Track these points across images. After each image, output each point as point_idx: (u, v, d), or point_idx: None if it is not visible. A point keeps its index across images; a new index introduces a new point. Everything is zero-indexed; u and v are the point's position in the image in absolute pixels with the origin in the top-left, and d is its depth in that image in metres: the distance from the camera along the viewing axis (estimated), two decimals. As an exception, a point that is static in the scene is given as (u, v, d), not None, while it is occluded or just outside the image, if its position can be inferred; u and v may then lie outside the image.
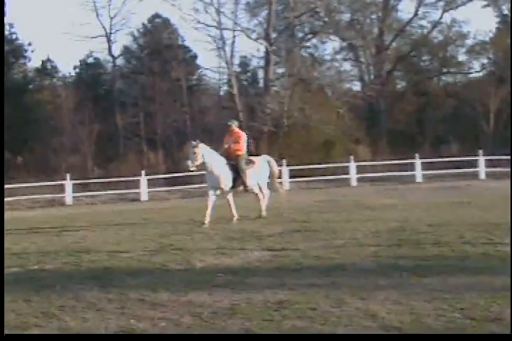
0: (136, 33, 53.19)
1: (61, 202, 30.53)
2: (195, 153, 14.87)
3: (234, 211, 15.45)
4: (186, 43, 54.16)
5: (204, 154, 14.96)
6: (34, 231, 15.55)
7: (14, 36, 50.87)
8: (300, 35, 49.90)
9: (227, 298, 7.08)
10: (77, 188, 31.85)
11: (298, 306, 6.60)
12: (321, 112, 42.96)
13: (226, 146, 15.59)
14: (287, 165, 31.83)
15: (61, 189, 30.89)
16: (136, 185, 31.19)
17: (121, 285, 8.00)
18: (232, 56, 48.71)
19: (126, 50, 53.53)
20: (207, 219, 14.75)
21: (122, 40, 64.08)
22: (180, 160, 42.83)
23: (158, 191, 32.06)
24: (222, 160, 15.25)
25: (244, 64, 54.60)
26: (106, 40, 51.61)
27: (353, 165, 32.23)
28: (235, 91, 47.13)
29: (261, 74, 51.68)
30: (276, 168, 16.79)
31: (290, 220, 14.86)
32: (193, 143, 15.21)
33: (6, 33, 50.26)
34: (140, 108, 48.42)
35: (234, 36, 48.26)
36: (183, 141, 45.52)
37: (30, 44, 51.32)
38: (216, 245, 11.29)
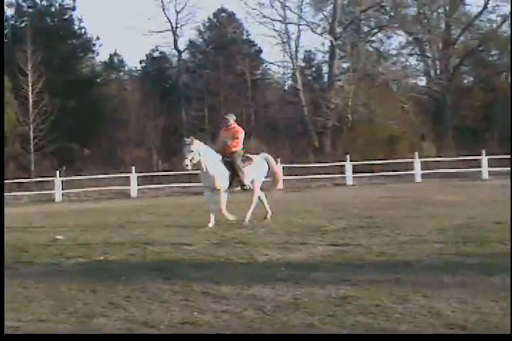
0: (201, 28, 53.56)
1: (126, 194, 30.97)
2: (191, 150, 13.63)
3: (226, 213, 14.04)
4: (251, 38, 54.35)
5: (200, 151, 13.76)
6: (100, 223, 15.80)
7: (83, 31, 51.69)
8: (365, 29, 49.57)
9: (290, 292, 7.09)
10: (141, 181, 32.26)
11: (361, 302, 6.57)
12: (386, 107, 42.60)
13: (223, 142, 14.38)
14: (351, 161, 31.65)
15: (127, 181, 31.32)
16: (199, 178, 31.33)
17: (185, 278, 8.08)
18: (296, 50, 48.72)
19: (192, 45, 53.91)
20: (211, 222, 13.65)
21: (188, 35, 64.62)
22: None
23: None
24: (217, 157, 14.07)
25: (308, 58, 54.49)
26: (172, 35, 52.09)
27: (417, 161, 31.86)
28: (300, 85, 47.08)
29: (325, 68, 51.57)
30: (276, 167, 15.66)
31: (353, 216, 14.79)
32: (188, 139, 13.92)
33: (76, 27, 51.15)
34: (205, 102, 48.70)
35: (299, 30, 48.28)
36: (247, 135, 45.67)
37: (98, 38, 52.10)
38: (279, 239, 11.30)
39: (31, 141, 42.28)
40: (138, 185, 31.51)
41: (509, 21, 46.35)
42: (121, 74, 57.76)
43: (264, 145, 42.90)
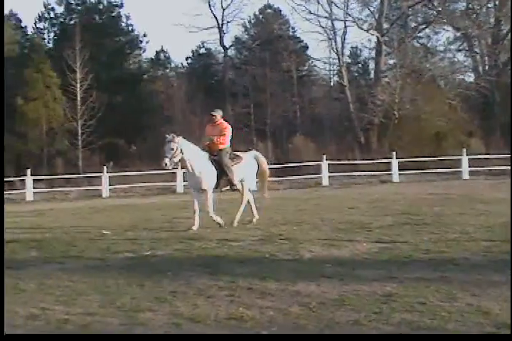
0: (247, 24, 53.65)
1: (172, 190, 31.18)
2: (172, 148, 12.70)
3: (213, 216, 13.12)
4: (297, 34, 54.28)
5: (183, 149, 12.82)
6: (146, 218, 15.95)
7: (130, 28, 52.17)
8: (413, 25, 49.14)
9: (336, 289, 7.07)
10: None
11: (407, 299, 6.53)
12: (433, 104, 42.20)
13: (209, 139, 13.49)
14: (397, 157, 31.43)
15: (172, 177, 31.50)
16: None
17: (231, 273, 8.10)
18: (343, 47, 48.55)
19: (238, 41, 54.04)
20: (195, 225, 12.81)
21: (234, 31, 64.53)
22: (289, 151, 43.04)
23: (268, 181, 32.19)
24: (204, 156, 13.20)
25: (354, 54, 54.27)
26: (218, 31, 52.27)
27: (465, 158, 31.49)
28: (346, 82, 46.89)
29: (372, 65, 51.32)
30: (266, 166, 14.61)
31: (400, 212, 14.68)
32: (169, 136, 12.96)
33: (123, 24, 51.61)
34: (250, 98, 48.76)
35: (345, 26, 48.09)
36: (293, 131, 45.68)
37: (145, 35, 52.53)
38: (324, 236, 11.27)
39: (79, 137, 42.85)
40: (183, 181, 31.67)
41: None
42: (168, 70, 58.15)
43: (309, 141, 42.90)
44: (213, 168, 13.12)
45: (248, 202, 14.01)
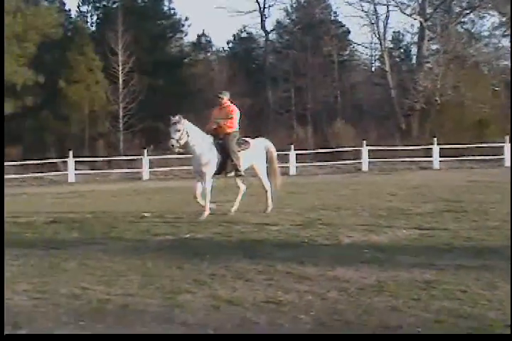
0: (289, 8, 53.38)
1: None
2: (178, 130, 12.29)
3: (207, 204, 12.58)
4: (339, 18, 53.90)
5: (189, 132, 12.41)
6: (186, 201, 16.02)
7: (172, 11, 52.24)
8: (457, 10, 48.34)
9: (374, 275, 7.06)
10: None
11: (446, 287, 6.49)
12: (476, 90, 41.64)
13: (215, 122, 12.99)
14: (438, 144, 31.15)
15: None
16: (285, 159, 31.47)
17: (269, 257, 8.13)
18: (385, 31, 48.06)
19: (279, 25, 53.82)
20: (206, 211, 12.44)
21: (275, 15, 64.40)
22: (329, 136, 42.88)
23: (307, 166, 32.24)
24: (208, 139, 12.67)
25: (397, 40, 53.70)
26: (259, 15, 52.09)
27: (508, 146, 31.06)
28: (387, 67, 46.47)
29: (414, 50, 50.72)
30: (275, 154, 13.80)
31: (440, 199, 14.57)
32: (175, 118, 12.53)
33: (165, 8, 51.72)
34: (291, 83, 48.62)
35: (388, 11, 47.56)
36: (333, 116, 45.46)
37: (187, 19, 52.55)
38: (363, 221, 11.25)
39: (120, 120, 43.15)
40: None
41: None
42: (209, 54, 58.20)
43: (350, 127, 42.70)
44: (216, 152, 12.55)
45: (240, 190, 13.59)
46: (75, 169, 31.02)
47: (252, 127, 47.60)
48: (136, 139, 42.72)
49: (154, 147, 37.31)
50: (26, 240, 10.22)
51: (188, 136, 12.38)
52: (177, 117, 12.50)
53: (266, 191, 13.35)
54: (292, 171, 30.92)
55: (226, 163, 12.66)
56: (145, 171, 31.01)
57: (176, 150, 12.62)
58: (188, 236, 10.16)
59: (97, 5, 51.67)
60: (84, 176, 31.09)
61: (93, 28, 51.85)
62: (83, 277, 7.21)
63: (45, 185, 28.74)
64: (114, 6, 49.39)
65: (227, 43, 56.37)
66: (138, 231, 10.78)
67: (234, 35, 55.54)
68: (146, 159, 31.21)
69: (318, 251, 8.65)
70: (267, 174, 13.56)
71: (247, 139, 13.31)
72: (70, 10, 52.64)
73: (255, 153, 13.18)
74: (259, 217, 12.10)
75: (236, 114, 13.01)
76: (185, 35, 54.50)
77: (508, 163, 30.43)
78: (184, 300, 6.20)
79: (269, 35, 53.30)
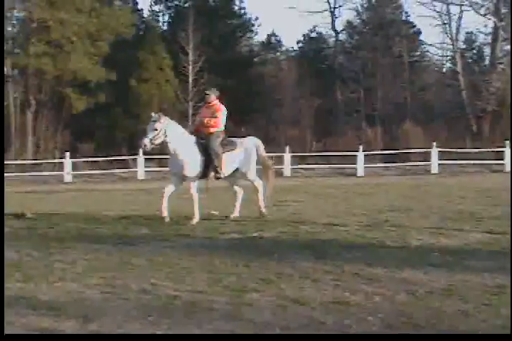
0: (359, 8, 53.07)
1: (279, 173, 31.29)
2: (155, 129, 11.52)
3: (196, 209, 11.94)
4: (410, 18, 53.30)
5: (167, 130, 11.63)
6: (254, 201, 16.06)
7: (242, 11, 52.49)
8: (532, 10, 47.29)
9: (444, 278, 6.95)
10: (295, 160, 32.55)
11: (518, 293, 6.35)
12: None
13: (198, 120, 12.43)
14: (511, 147, 30.52)
15: (280, 160, 31.67)
16: (353, 159, 31.34)
17: (337, 258, 8.09)
18: (457, 32, 47.44)
19: (349, 25, 53.55)
20: (165, 216, 11.79)
21: (346, 15, 63.98)
22: (398, 137, 42.46)
23: (375, 167, 32.00)
24: (190, 139, 11.95)
25: (469, 40, 52.84)
26: (329, 15, 51.95)
27: None
28: (459, 68, 45.79)
29: (487, 51, 49.82)
30: (265, 155, 12.98)
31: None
32: (154, 116, 11.80)
33: (236, 7, 51.99)
34: (360, 83, 48.33)
35: (461, 11, 46.95)
36: (402, 117, 44.99)
37: (257, 18, 52.80)
38: (432, 224, 11.09)
39: (189, 118, 43.53)
40: (291, 165, 31.81)
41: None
42: (278, 54, 58.28)
43: (419, 128, 42.21)
44: (198, 153, 11.83)
45: (237, 195, 12.81)
46: (145, 166, 31.44)
47: (321, 127, 47.58)
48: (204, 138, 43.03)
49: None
50: (97, 235, 10.41)
51: (165, 136, 11.60)
52: (157, 115, 11.78)
53: (258, 191, 12.58)
54: (360, 172, 30.73)
55: (209, 166, 11.93)
56: (214, 170, 31.18)
57: (148, 149, 11.93)
58: (255, 234, 10.19)
59: (169, 4, 52.28)
60: (154, 173, 31.48)
61: (164, 28, 52.51)
62: (152, 273, 7.30)
63: (115, 181, 29.23)
64: (186, 5, 49.92)
65: (297, 43, 56.39)
66: (206, 229, 10.86)
67: (304, 35, 55.50)
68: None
69: (386, 252, 8.57)
70: (262, 176, 12.92)
71: (233, 139, 12.57)
72: (142, 9, 53.47)
73: (243, 155, 12.38)
74: (327, 218, 12.05)
75: (222, 113, 12.32)
76: (255, 34, 54.78)
77: None
78: (251, 298, 6.21)
79: (339, 35, 53.16)
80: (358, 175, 30.39)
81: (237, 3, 51.95)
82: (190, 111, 43.32)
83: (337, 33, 52.76)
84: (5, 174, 32.71)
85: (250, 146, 12.63)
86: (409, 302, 6.09)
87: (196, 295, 6.31)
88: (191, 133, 12.21)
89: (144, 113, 43.88)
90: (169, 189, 11.94)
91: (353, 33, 53.64)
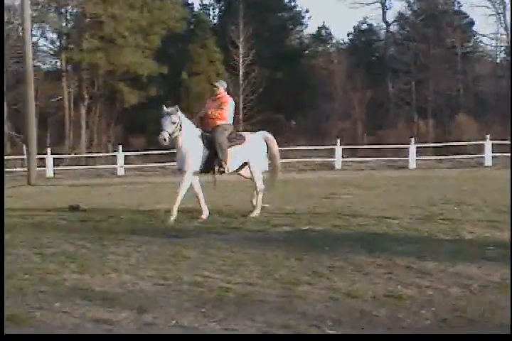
0: (411, -1, 52.54)
1: (331, 166, 31.27)
2: (174, 122, 11.00)
3: (203, 204, 11.61)
4: (463, 9, 52.63)
5: (182, 123, 11.16)
6: (305, 193, 16.09)
7: (293, 3, 52.41)
8: None
9: (498, 272, 6.86)
10: (346, 153, 32.42)
11: None
12: None
13: (204, 113, 11.80)
14: None
15: (331, 153, 31.59)
16: (404, 152, 31.09)
17: (389, 251, 8.04)
18: (512, 22, 46.52)
19: (400, 17, 53.07)
20: (204, 213, 11.52)
21: (397, 6, 63.35)
22: (450, 130, 41.95)
23: (427, 159, 31.69)
24: (196, 132, 11.40)
25: (525, 30, 51.85)
26: (380, 7, 51.56)
27: None
28: (513, 58, 45.02)
29: (543, 41, 48.86)
30: (276, 149, 12.48)
31: None
32: (170, 109, 11.19)
33: (286, 0, 51.92)
34: (412, 75, 47.89)
35: (515, 0, 46.03)
36: (455, 109, 44.46)
37: (307, 11, 52.67)
38: (486, 217, 10.94)
39: (240, 112, 43.66)
40: (342, 157, 31.69)
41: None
42: (329, 46, 58.03)
43: (472, 120, 41.65)
44: (203, 147, 11.33)
45: (256, 192, 12.02)
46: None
47: (372, 120, 47.29)
48: (255, 131, 43.10)
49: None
50: (150, 228, 10.52)
51: (180, 129, 11.11)
52: (173, 108, 11.21)
53: (257, 193, 11.94)
54: (412, 165, 30.47)
55: (214, 159, 11.42)
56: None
57: (167, 143, 11.18)
58: (307, 227, 10.18)
59: (219, -2, 52.45)
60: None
61: (215, 21, 52.68)
62: (204, 265, 7.35)
63: (167, 174, 29.45)
64: (236, -2, 49.96)
65: (348, 35, 56.14)
66: (257, 221, 10.89)
67: (354, 27, 55.18)
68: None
69: (439, 246, 8.48)
70: (270, 171, 12.62)
71: (243, 133, 12.18)
72: (193, 3, 53.85)
73: (251, 150, 11.81)
74: (378, 211, 11.98)
75: (229, 105, 11.80)
76: (306, 27, 54.68)
77: None
78: (303, 291, 6.22)
79: (390, 26, 52.72)
80: (410, 167, 30.14)
81: (288, -4, 51.89)
82: (241, 105, 43.42)
83: (388, 24, 52.35)
84: (60, 167, 33.36)
85: (260, 141, 12.14)
86: (462, 296, 6.03)
87: (248, 287, 6.35)
88: (197, 126, 11.61)
89: (195, 106, 44.21)
90: (196, 186, 11.61)
91: (404, 24, 53.12)
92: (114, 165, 33.72)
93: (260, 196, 11.91)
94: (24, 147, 30.59)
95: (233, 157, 11.55)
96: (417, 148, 31.18)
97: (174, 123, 10.99)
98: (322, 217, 11.31)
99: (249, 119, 43.05)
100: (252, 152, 11.82)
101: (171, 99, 43.21)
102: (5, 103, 43.70)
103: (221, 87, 11.87)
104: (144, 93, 44.57)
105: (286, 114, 46.28)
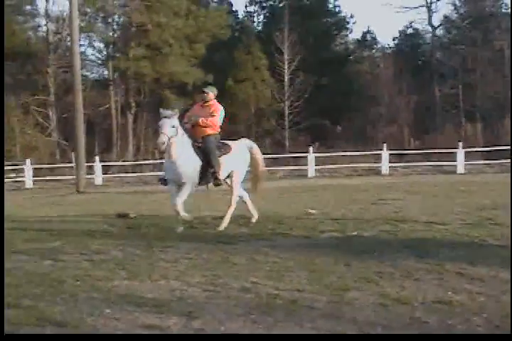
0: (457, 2, 52.07)
1: (377, 171, 31.07)
2: (173, 126, 10.47)
3: (180, 209, 10.86)
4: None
5: (179, 130, 10.62)
6: (352, 199, 16.01)
7: (337, 9, 52.35)
8: None
9: (551, 278, 6.74)
10: (393, 158, 32.20)
11: None
12: None
13: (193, 120, 11.13)
14: None
15: (377, 158, 31.40)
16: (452, 157, 30.75)
17: (438, 257, 7.94)
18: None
19: (447, 20, 52.60)
20: (180, 226, 10.90)
21: (443, 10, 62.84)
22: (499, 134, 41.39)
23: (476, 164, 31.29)
24: (188, 141, 10.82)
25: None
26: (426, 10, 51.13)
27: None
28: None
29: None
30: (260, 157, 12.03)
31: None
32: (169, 112, 10.60)
33: (330, 5, 51.87)
34: (459, 79, 47.37)
35: None
36: (504, 113, 43.85)
37: (352, 16, 52.60)
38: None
39: (286, 118, 43.70)
40: (389, 163, 31.48)
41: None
42: (374, 51, 57.79)
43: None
44: (198, 157, 10.86)
45: (244, 200, 11.83)
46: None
47: (419, 124, 46.89)
48: (301, 137, 43.14)
49: (320, 144, 37.54)
50: (197, 234, 10.57)
51: (176, 135, 10.55)
52: (174, 111, 10.68)
53: (229, 206, 11.45)
54: (460, 169, 30.13)
55: (206, 172, 10.95)
56: (311, 168, 31.23)
57: (164, 148, 10.51)
58: (354, 233, 10.13)
59: (264, 5, 52.58)
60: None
61: (259, 28, 52.83)
62: (252, 271, 7.35)
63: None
64: (281, 5, 50.08)
65: (393, 40, 55.86)
66: (304, 227, 10.87)
67: (400, 32, 54.87)
68: (311, 156, 31.41)
69: (490, 251, 8.36)
70: (250, 179, 12.12)
71: (227, 142, 11.55)
72: (237, 11, 54.02)
73: (236, 158, 11.42)
74: (427, 216, 11.87)
75: (220, 113, 11.30)
76: (350, 32, 54.65)
77: None
78: (352, 297, 6.18)
79: (436, 30, 52.24)
80: (458, 172, 29.80)
81: (331, 1, 51.89)
82: (287, 110, 43.47)
83: (434, 28, 51.90)
84: (108, 175, 33.75)
85: (244, 149, 11.73)
86: (515, 302, 5.93)
87: (296, 293, 6.33)
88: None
89: (240, 113, 44.35)
90: (179, 201, 10.77)
91: (451, 27, 52.65)
92: (162, 173, 33.92)
93: (233, 208, 11.43)
94: (73, 155, 31.04)
95: (223, 166, 11.13)
96: (466, 152, 30.82)
97: (173, 127, 10.49)
98: (370, 222, 11.25)
99: (295, 125, 43.05)
100: (237, 161, 11.42)
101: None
102: (54, 111, 44.46)
103: (211, 92, 11.34)
104: (189, 100, 44.88)
105: (331, 120, 46.17)
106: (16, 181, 34.42)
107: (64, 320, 5.48)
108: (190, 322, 5.41)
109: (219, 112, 11.25)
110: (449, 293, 6.28)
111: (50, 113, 45.89)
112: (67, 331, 5.22)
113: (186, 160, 10.67)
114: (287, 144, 43.07)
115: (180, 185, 10.76)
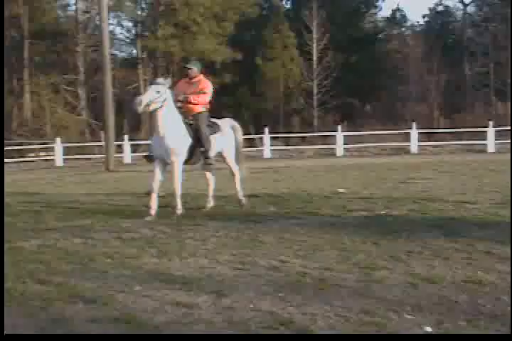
0: (490, -21, 51.27)
1: (406, 150, 30.90)
2: (158, 91, 9.95)
3: (179, 200, 10.55)
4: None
5: (167, 100, 10.12)
6: (381, 178, 15.95)
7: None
8: None
9: None
10: (422, 137, 32.00)
11: None
12: None
13: (182, 97, 10.55)
14: None
15: (406, 137, 31.21)
16: (482, 135, 30.47)
17: (468, 236, 7.91)
18: None
19: (479, -3, 51.88)
20: (152, 210, 10.34)
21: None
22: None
23: (506, 143, 30.98)
24: (179, 118, 10.37)
25: None
26: (458, -13, 50.41)
27: None
28: None
29: None
30: (241, 138, 11.61)
31: None
32: (160, 80, 10.25)
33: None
34: (490, 57, 46.79)
35: None
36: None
37: (381, -7, 51.86)
38: None
39: (314, 97, 43.52)
40: (419, 141, 31.28)
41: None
42: (403, 29, 57.27)
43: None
44: (187, 134, 10.41)
45: (209, 182, 11.62)
46: (271, 145, 31.72)
47: (449, 103, 46.49)
48: (329, 115, 43.02)
49: (348, 123, 37.40)
50: (226, 213, 10.61)
51: (162, 105, 10.04)
52: (163, 79, 10.30)
53: (234, 175, 11.53)
54: (491, 148, 29.85)
55: (195, 150, 10.53)
56: (339, 147, 31.13)
57: (140, 111, 10.01)
58: (383, 212, 10.11)
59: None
60: (280, 152, 31.72)
61: (288, 6, 52.50)
62: (281, 250, 7.37)
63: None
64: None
65: (423, 17, 55.32)
66: (333, 206, 10.87)
67: (430, 9, 54.24)
68: (340, 135, 31.30)
69: (520, 231, 8.30)
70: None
71: (215, 120, 11.13)
72: (266, -11, 53.56)
73: (225, 137, 11.13)
74: (456, 195, 11.82)
75: (210, 89, 10.83)
76: (380, 10, 54.31)
77: None
78: (381, 276, 6.18)
79: (467, 7, 51.56)
80: (489, 151, 29.54)
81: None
82: (315, 89, 43.27)
83: (465, 5, 51.28)
84: (137, 153, 33.91)
85: (229, 129, 11.36)
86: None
87: (325, 272, 6.34)
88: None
89: (269, 92, 44.26)
90: (157, 177, 10.39)
91: (482, 4, 51.94)
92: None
93: (238, 179, 11.46)
94: (102, 134, 31.23)
95: (213, 145, 10.79)
96: (496, 131, 30.51)
97: (158, 92, 9.95)
98: (399, 201, 11.23)
99: (324, 104, 42.88)
100: (226, 140, 11.17)
101: (245, 84, 43.47)
102: (84, 90, 44.66)
103: (195, 68, 10.89)
104: (218, 79, 44.83)
105: (360, 99, 45.93)
106: (47, 160, 34.73)
107: (94, 296, 5.54)
108: (219, 300, 5.44)
109: (209, 89, 10.83)
110: (479, 272, 6.26)
111: (80, 92, 46.14)
112: (97, 308, 5.29)
113: (176, 137, 10.24)
114: (316, 123, 42.96)
115: (167, 163, 10.41)
